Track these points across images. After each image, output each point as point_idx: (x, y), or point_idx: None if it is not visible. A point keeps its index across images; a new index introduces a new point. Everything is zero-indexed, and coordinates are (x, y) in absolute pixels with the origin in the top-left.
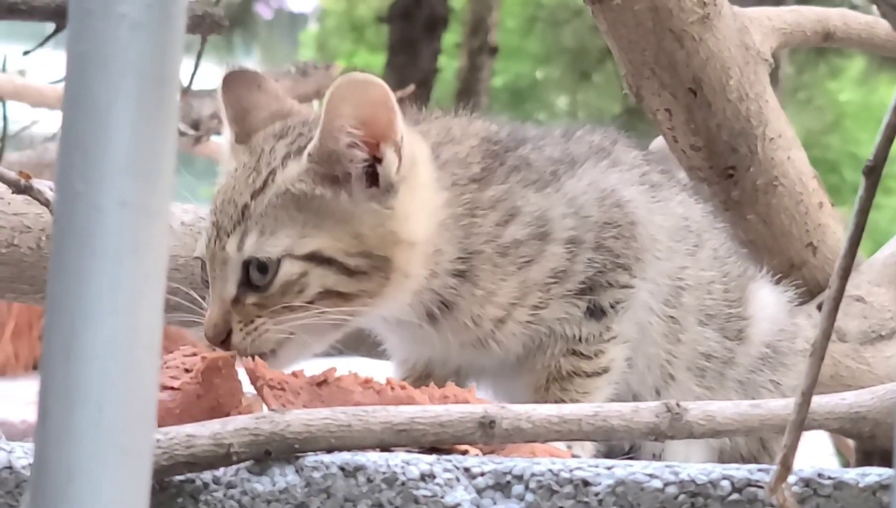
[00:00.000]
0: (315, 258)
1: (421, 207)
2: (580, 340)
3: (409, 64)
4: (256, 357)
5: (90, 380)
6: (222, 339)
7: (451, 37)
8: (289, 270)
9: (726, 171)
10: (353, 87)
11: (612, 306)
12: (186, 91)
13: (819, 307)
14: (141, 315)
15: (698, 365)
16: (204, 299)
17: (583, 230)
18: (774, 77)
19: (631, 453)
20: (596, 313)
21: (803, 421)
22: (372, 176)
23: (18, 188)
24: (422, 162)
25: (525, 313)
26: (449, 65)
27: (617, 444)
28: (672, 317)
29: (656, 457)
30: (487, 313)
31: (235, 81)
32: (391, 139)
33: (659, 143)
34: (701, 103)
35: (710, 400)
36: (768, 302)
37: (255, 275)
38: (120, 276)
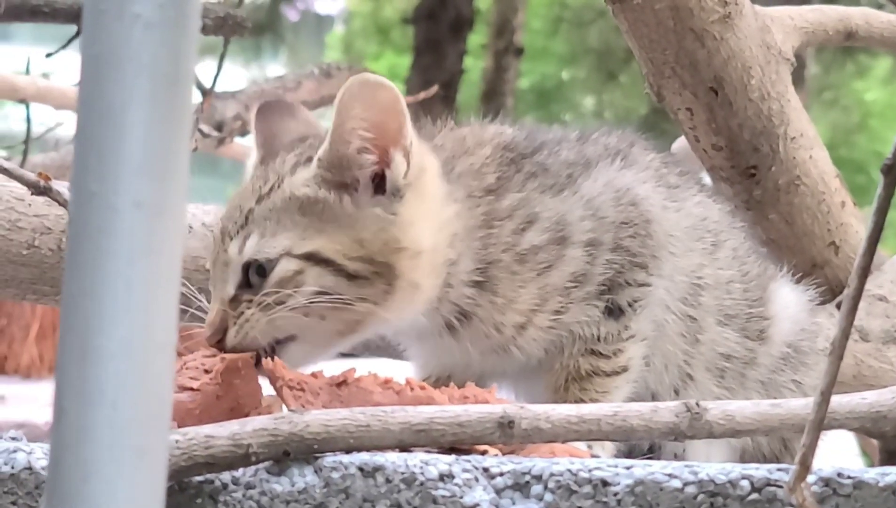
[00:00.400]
0: (312, 258)
1: (426, 216)
2: (599, 339)
3: (435, 65)
4: (276, 358)
5: (105, 380)
6: (218, 339)
7: (477, 38)
8: (285, 266)
9: (748, 170)
10: (363, 88)
11: (629, 305)
12: (210, 93)
13: (839, 307)
14: (156, 315)
15: (718, 366)
16: None
17: (601, 232)
18: (800, 77)
19: (651, 453)
20: (614, 312)
21: (822, 420)
22: (378, 185)
23: (38, 190)
24: (431, 173)
25: (546, 319)
26: (475, 66)
27: (637, 444)
28: (690, 316)
29: (677, 457)
30: (509, 319)
31: (269, 110)
32: (400, 144)
33: (681, 143)
34: (722, 103)
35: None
36: (790, 302)
37: (255, 278)
38: (135, 276)
